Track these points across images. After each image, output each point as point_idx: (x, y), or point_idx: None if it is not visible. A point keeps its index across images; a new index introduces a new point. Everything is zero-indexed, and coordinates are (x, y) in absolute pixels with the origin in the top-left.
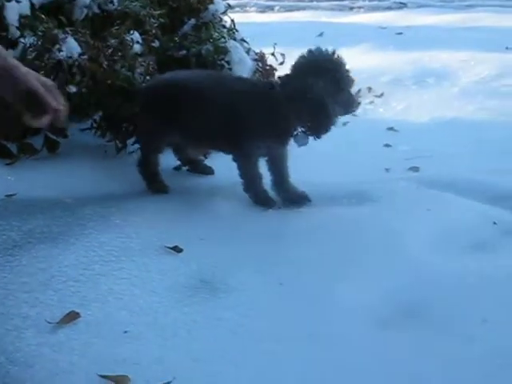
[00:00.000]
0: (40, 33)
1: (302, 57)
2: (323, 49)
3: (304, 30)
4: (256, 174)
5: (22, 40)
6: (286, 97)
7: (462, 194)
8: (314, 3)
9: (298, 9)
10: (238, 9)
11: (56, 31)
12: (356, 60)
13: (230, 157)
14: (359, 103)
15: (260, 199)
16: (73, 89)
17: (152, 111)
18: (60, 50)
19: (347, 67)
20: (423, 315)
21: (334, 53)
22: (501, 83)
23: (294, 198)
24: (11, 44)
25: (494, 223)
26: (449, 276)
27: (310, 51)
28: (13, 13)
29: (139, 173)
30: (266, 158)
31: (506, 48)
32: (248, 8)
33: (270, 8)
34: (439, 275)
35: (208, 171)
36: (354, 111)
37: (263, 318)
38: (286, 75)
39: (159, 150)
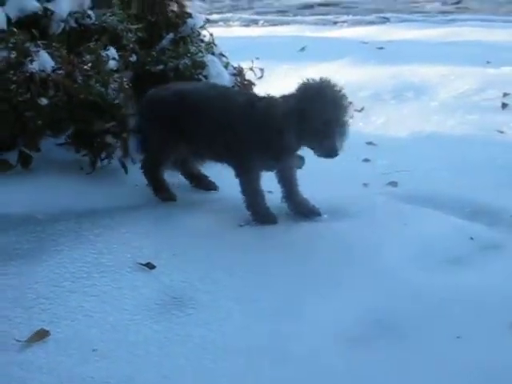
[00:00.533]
0: (11, 45)
1: (309, 82)
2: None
3: (287, 45)
4: (257, 190)
5: None
6: (284, 115)
7: (440, 209)
8: (299, 17)
9: (283, 23)
10: (221, 23)
11: (28, 44)
12: (337, 74)
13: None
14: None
15: (260, 216)
16: (44, 101)
17: (161, 121)
18: (32, 61)
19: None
20: (397, 332)
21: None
22: (481, 97)
23: (304, 212)
24: None
25: (471, 238)
26: (423, 292)
27: (317, 80)
28: None
29: (147, 180)
30: (275, 171)
31: (487, 62)
32: (232, 22)
33: (255, 22)
34: (414, 291)
35: (212, 187)
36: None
37: (234, 335)
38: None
39: (168, 160)
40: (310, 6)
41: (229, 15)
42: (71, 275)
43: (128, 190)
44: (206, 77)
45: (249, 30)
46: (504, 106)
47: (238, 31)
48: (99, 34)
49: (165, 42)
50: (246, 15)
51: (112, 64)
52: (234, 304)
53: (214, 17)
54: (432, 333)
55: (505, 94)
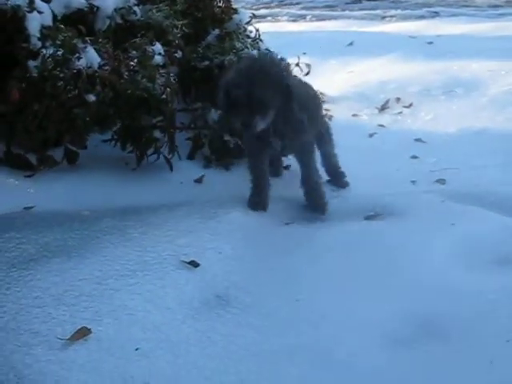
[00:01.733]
0: (59, 42)
1: None
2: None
3: (334, 40)
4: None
5: (43, 51)
6: None
7: (488, 208)
8: (347, 12)
9: (330, 18)
10: (269, 18)
11: (75, 41)
12: (385, 70)
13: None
14: None
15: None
16: (92, 97)
17: None
18: (79, 58)
19: None
20: (442, 333)
21: None
22: None
23: (310, 205)
24: (32, 55)
25: None
26: (471, 292)
27: None
28: (34, 23)
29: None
30: None
31: None
32: (280, 17)
33: (302, 17)
34: (461, 292)
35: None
36: None
37: (278, 336)
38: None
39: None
40: (358, 1)
41: (277, 10)
42: (115, 273)
43: (173, 187)
44: None
45: (296, 25)
46: None
47: (285, 26)
48: (145, 30)
49: (210, 38)
50: (293, 10)
51: (158, 59)
52: (277, 304)
53: (262, 12)
54: (480, 336)
55: None
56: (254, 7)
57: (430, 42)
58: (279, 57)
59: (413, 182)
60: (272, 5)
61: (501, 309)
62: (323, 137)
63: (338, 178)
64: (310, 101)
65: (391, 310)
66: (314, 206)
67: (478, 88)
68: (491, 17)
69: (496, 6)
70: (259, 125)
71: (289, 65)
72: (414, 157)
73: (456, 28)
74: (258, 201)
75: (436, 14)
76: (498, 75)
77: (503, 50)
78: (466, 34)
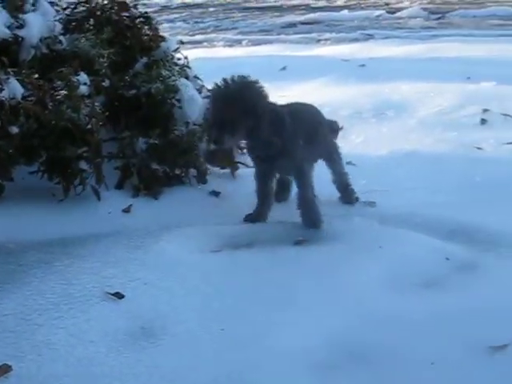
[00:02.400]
0: None
1: None
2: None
3: (268, 64)
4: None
5: None
6: None
7: (417, 230)
8: (282, 36)
9: (266, 43)
10: (205, 43)
11: None
12: (317, 94)
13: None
14: None
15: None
16: (15, 129)
17: None
18: (1, 90)
19: None
20: (368, 358)
21: None
22: (461, 114)
23: (305, 222)
24: None
25: (447, 259)
26: (397, 316)
27: None
28: None
29: None
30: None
31: (468, 78)
32: (216, 42)
33: (238, 42)
34: (387, 315)
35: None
36: None
37: (203, 366)
38: None
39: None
40: (293, 25)
41: (213, 35)
42: (39, 307)
43: (101, 218)
44: (178, 100)
45: (232, 49)
46: (483, 122)
47: (221, 51)
48: (71, 60)
49: (138, 66)
50: (229, 35)
51: (83, 89)
52: (203, 334)
53: (198, 37)
54: (405, 359)
55: (484, 110)
56: (190, 33)
57: (363, 65)
58: (254, 80)
59: (342, 205)
60: (208, 30)
61: (427, 332)
62: (332, 156)
63: (347, 195)
64: (308, 124)
65: (316, 334)
66: (308, 223)
67: (408, 110)
68: (424, 38)
69: (429, 28)
70: (228, 141)
71: (262, 88)
72: None
73: (388, 50)
74: (257, 212)
75: (370, 37)
76: (427, 97)
77: (433, 71)
78: (397, 57)
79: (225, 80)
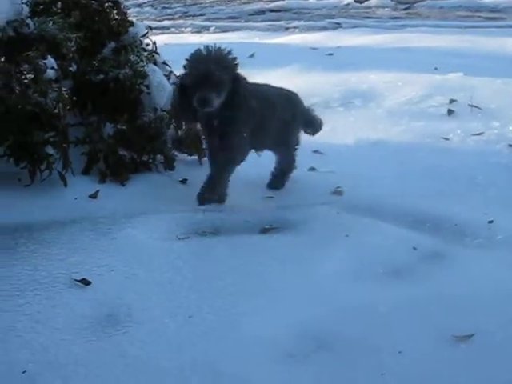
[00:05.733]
0: None
1: None
2: None
3: (235, 51)
4: None
5: None
6: None
7: (384, 219)
8: (250, 23)
9: (234, 30)
10: (173, 29)
11: None
12: (285, 82)
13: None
14: None
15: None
16: None
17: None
18: None
19: None
20: (336, 347)
21: None
22: (428, 104)
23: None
24: None
25: (414, 248)
26: (364, 305)
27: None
28: None
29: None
30: None
31: (435, 68)
32: (183, 28)
33: (206, 28)
34: (354, 304)
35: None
36: None
37: (167, 354)
38: None
39: None
40: (261, 12)
41: (180, 21)
42: (4, 293)
43: (67, 204)
44: (147, 86)
45: (199, 36)
46: (450, 112)
47: (188, 38)
48: (38, 43)
49: (106, 51)
50: (197, 21)
51: (51, 73)
52: (170, 321)
53: (165, 23)
54: (373, 348)
55: (451, 101)
56: (157, 18)
57: (331, 54)
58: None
59: (309, 194)
60: (175, 16)
61: (394, 321)
62: (280, 149)
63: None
64: (270, 113)
65: (282, 325)
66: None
67: (376, 99)
68: (392, 28)
69: (397, 18)
70: (215, 101)
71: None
72: (312, 169)
73: (356, 39)
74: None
75: (338, 26)
76: (396, 86)
77: (401, 61)
78: (365, 46)
79: (206, 46)
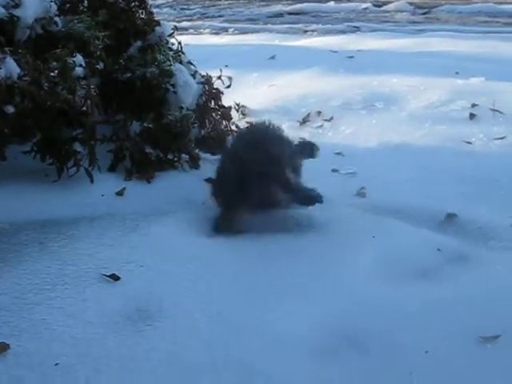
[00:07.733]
0: None
1: None
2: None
3: (256, 53)
4: None
5: None
6: None
7: (408, 220)
8: (269, 26)
9: (252, 31)
10: (192, 30)
11: None
12: (306, 84)
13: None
14: None
15: None
16: (10, 109)
17: None
18: None
19: None
20: (361, 346)
21: None
22: (450, 108)
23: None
24: None
25: (439, 250)
26: (389, 305)
27: None
28: None
29: None
30: None
31: (456, 73)
32: (202, 30)
33: (224, 30)
34: (379, 304)
35: None
36: None
37: (201, 349)
38: None
39: None
40: (279, 15)
41: (199, 23)
42: (34, 287)
43: (94, 200)
44: (173, 85)
45: (218, 37)
46: (472, 116)
47: (207, 39)
48: (66, 41)
49: (132, 50)
50: (216, 23)
51: (79, 71)
52: (201, 316)
53: (184, 24)
54: (399, 348)
55: (473, 105)
56: (176, 19)
57: (351, 57)
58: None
59: (333, 195)
60: (194, 17)
61: (420, 321)
62: None
63: None
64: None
65: (313, 322)
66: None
67: (398, 103)
68: (410, 32)
69: (415, 22)
70: None
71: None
72: (335, 170)
73: (377, 43)
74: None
75: (357, 29)
76: (417, 90)
77: (422, 65)
78: (386, 49)
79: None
